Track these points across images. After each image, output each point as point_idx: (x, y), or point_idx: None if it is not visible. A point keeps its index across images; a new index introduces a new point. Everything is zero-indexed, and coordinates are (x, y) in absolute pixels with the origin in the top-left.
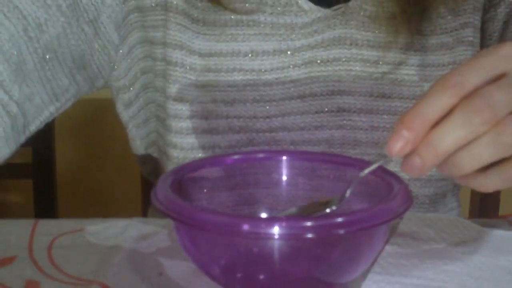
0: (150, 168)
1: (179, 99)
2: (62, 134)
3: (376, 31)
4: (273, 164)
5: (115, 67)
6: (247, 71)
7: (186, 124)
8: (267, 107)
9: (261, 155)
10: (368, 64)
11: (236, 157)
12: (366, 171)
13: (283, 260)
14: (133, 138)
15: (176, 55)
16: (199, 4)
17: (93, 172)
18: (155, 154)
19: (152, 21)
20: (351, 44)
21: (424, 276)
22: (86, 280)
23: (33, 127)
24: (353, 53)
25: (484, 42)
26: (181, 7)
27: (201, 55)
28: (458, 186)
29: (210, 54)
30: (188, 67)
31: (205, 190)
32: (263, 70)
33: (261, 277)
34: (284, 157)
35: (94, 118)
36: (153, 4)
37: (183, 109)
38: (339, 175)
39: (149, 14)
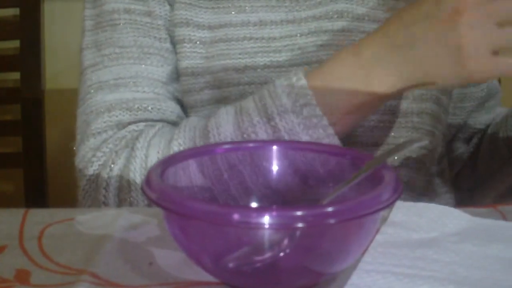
0: None
1: (191, 73)
2: (52, 124)
3: (376, 5)
4: (264, 153)
5: None
6: (257, 39)
7: (200, 96)
8: (277, 73)
9: (251, 145)
10: None
11: (226, 146)
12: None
13: (273, 249)
14: None
15: (183, 32)
16: None
17: None
18: None
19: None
20: (353, 17)
21: (415, 265)
22: (76, 270)
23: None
24: (356, 25)
25: None
26: None
27: (210, 27)
28: (445, 170)
29: (220, 26)
30: (197, 42)
31: (194, 180)
32: (272, 38)
33: (251, 266)
34: (275, 147)
35: None
36: None
37: (195, 82)
38: (330, 165)
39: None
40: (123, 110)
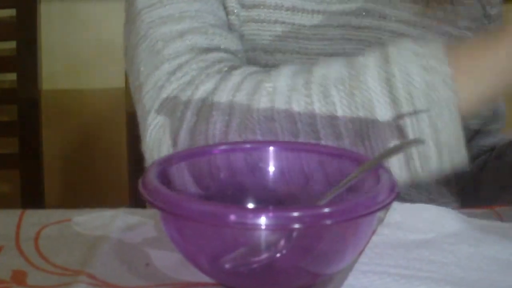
0: None
1: None
2: (49, 124)
3: (403, 9)
4: (260, 154)
5: None
6: (288, 24)
7: None
8: (304, 60)
9: (248, 146)
10: (396, 35)
11: (222, 147)
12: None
13: (269, 250)
14: None
15: (227, 4)
16: None
17: (80, 162)
18: None
19: None
20: (379, 17)
21: (411, 266)
22: (72, 270)
23: None
24: (382, 24)
25: None
26: None
27: (244, 6)
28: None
29: (254, 6)
30: (234, 16)
31: (191, 181)
32: (303, 26)
33: (247, 267)
34: (271, 148)
35: (81, 108)
36: None
37: None
38: (327, 165)
39: None
40: (197, 33)
